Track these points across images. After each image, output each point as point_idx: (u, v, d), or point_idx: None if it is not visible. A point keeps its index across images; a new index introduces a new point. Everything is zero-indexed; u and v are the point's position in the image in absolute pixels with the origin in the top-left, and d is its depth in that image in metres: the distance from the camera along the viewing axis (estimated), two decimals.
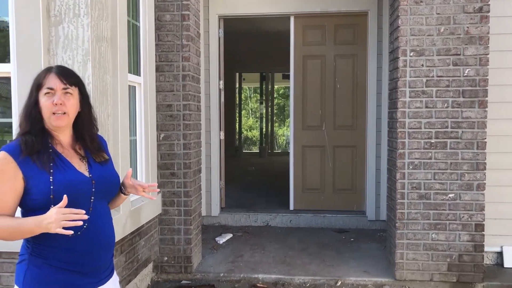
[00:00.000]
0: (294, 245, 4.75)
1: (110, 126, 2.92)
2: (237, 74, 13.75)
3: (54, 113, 1.62)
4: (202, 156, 5.05)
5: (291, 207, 5.65)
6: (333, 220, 5.45)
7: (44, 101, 1.63)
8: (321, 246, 4.72)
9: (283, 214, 5.53)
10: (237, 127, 13.99)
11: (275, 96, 20.07)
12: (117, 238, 2.82)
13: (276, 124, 20.35)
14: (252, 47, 11.67)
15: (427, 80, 3.67)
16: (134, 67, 3.48)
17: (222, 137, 5.63)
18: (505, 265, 4.08)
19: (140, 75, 3.51)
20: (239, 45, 11.64)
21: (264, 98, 14.49)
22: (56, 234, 1.48)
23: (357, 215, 5.49)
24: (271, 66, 12.97)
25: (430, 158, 3.70)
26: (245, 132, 20.24)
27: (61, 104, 1.62)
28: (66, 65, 2.66)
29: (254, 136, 20.77)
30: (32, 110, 1.64)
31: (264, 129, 14.36)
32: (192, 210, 3.94)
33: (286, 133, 20.42)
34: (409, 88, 3.70)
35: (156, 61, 3.80)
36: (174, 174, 3.90)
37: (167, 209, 3.91)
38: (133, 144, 3.48)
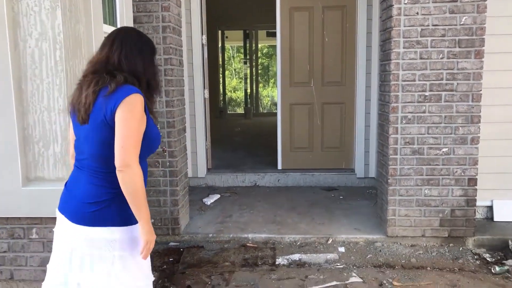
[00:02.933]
0: (283, 204, 4.67)
1: None
2: (220, 32, 13.32)
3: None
4: (186, 115, 4.86)
5: (279, 167, 5.55)
6: (322, 178, 5.38)
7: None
8: (310, 205, 4.65)
9: (271, 174, 5.43)
10: (221, 88, 13.69)
11: (259, 55, 19.69)
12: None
13: (261, 85, 20.01)
14: (235, 1, 11.27)
15: (422, 30, 3.50)
16: (110, 18, 3.23)
17: (207, 95, 5.42)
18: (495, 219, 4.07)
19: (116, 26, 3.26)
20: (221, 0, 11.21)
21: (248, 57, 14.13)
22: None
23: (346, 172, 5.42)
24: (255, 22, 12.54)
25: (424, 112, 3.58)
26: (229, 93, 19.92)
27: None
28: (32, 12, 2.42)
29: (238, 97, 20.47)
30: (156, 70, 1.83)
31: (248, 90, 14.09)
32: (178, 170, 3.79)
33: (271, 93, 20.18)
34: (403, 38, 3.52)
35: (134, 12, 3.53)
36: None
37: (151, 170, 3.75)
38: None
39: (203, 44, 5.36)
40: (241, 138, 8.73)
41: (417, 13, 3.48)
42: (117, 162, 1.60)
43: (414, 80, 3.55)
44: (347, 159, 5.48)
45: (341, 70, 5.35)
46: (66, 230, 1.75)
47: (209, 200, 4.75)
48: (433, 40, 3.49)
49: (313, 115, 5.45)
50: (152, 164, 3.75)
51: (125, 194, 1.63)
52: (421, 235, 3.70)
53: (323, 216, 4.29)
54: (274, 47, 18.82)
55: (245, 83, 14.32)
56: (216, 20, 12.02)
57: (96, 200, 1.68)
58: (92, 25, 2.73)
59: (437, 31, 3.48)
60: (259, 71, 19.63)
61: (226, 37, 14.14)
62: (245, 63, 15.08)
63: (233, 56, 22.96)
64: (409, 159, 3.63)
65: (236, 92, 21.21)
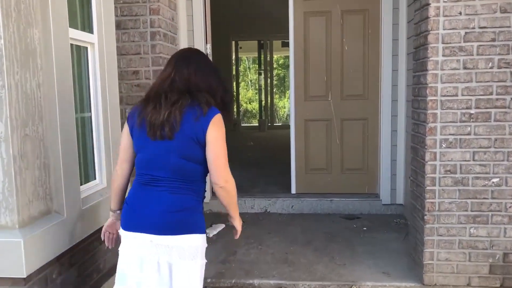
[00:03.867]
0: (297, 237, 4.01)
1: (43, 99, 2.12)
2: (233, 42, 12.80)
3: None
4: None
5: (293, 191, 4.89)
6: (342, 204, 4.70)
7: None
8: (329, 238, 3.98)
9: (284, 199, 4.78)
10: (235, 100, 13.13)
11: (274, 66, 19.13)
12: (63, 248, 2.11)
13: (277, 96, 19.45)
14: (248, 11, 10.76)
15: (466, 33, 2.83)
16: (84, 22, 2.65)
17: None
18: None
19: (93, 33, 2.68)
20: (234, 9, 10.72)
21: (262, 68, 13.57)
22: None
23: (369, 198, 4.73)
24: (269, 32, 12.03)
25: (469, 134, 2.89)
26: (244, 105, 19.37)
27: None
28: None
29: (254, 109, 19.88)
30: None
31: (263, 101, 13.50)
32: None
33: (286, 105, 19.55)
34: (442, 44, 2.86)
35: (117, 15, 2.96)
36: None
37: None
38: (87, 123, 2.68)
39: (207, 53, 4.78)
40: (253, 153, 8.11)
41: (460, 13, 2.81)
42: (217, 179, 1.75)
43: (457, 95, 2.88)
44: (370, 183, 4.80)
45: (363, 82, 4.69)
46: (141, 247, 1.77)
47: (212, 232, 4.07)
48: (480, 45, 2.82)
49: (332, 132, 4.79)
50: None
51: (224, 203, 1.86)
52: (466, 284, 2.99)
53: (344, 254, 3.61)
54: (289, 51, 18.20)
55: (260, 94, 13.72)
56: (230, 31, 11.54)
57: (181, 207, 1.76)
58: (52, 30, 2.15)
59: (485, 35, 2.81)
60: (275, 82, 19.09)
61: (240, 47, 13.61)
62: (259, 74, 14.50)
63: (249, 67, 22.45)
64: (451, 191, 2.94)
65: (251, 103, 20.64)
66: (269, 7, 9.99)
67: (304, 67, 4.74)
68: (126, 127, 1.86)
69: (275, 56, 18.09)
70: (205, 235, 1.86)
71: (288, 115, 18.17)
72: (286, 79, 20.63)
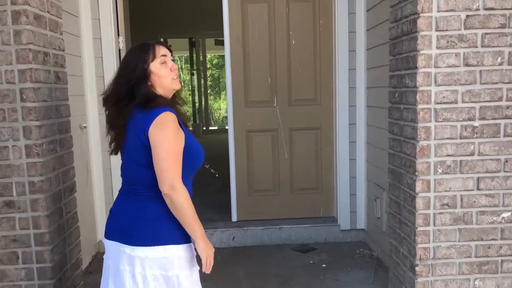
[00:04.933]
0: (241, 285, 3.09)
1: None
2: (162, 39, 11.63)
3: (173, 78, 1.69)
4: (95, 152, 3.49)
5: (234, 218, 3.95)
6: (293, 233, 3.83)
7: (163, 68, 1.65)
8: (281, 283, 3.09)
9: (223, 229, 3.83)
10: None
11: (208, 66, 18.10)
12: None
13: (211, 97, 18.46)
14: (177, 4, 9.75)
15: (467, 17, 2.05)
16: None
17: None
18: None
19: None
20: (161, 2, 9.65)
21: (195, 68, 12.52)
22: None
23: (326, 223, 3.90)
24: (202, 29, 11.04)
25: (472, 154, 2.12)
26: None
27: (175, 69, 1.69)
28: None
29: (188, 111, 18.70)
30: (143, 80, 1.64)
31: (197, 104, 12.43)
32: (53, 268, 2.11)
33: (222, 106, 18.60)
34: (436, 32, 2.06)
35: None
36: (11, 205, 2.03)
37: (3, 269, 2.06)
38: None
39: (119, 49, 3.71)
40: None
41: None
42: (161, 186, 1.56)
43: (456, 102, 2.09)
44: (326, 205, 3.97)
45: (314, 84, 3.85)
46: (113, 258, 1.68)
47: None
48: (487, 34, 2.05)
49: (279, 145, 3.91)
50: (5, 259, 2.05)
51: (176, 215, 1.60)
52: None
53: None
54: (224, 57, 17.37)
55: (193, 96, 12.63)
56: (157, 27, 10.42)
57: (160, 217, 1.63)
58: None
59: (493, 19, 2.05)
60: (209, 83, 18.08)
61: (170, 45, 12.41)
62: (192, 74, 13.45)
63: (181, 67, 21.23)
64: (449, 231, 2.15)
65: (186, 105, 19.40)
66: (200, 1, 9.03)
67: (244, 66, 3.82)
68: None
69: (208, 56, 17.12)
70: (178, 246, 1.64)
71: (225, 118, 17.29)
72: (221, 80, 19.66)
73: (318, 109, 3.87)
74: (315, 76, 3.84)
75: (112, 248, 1.68)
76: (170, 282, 1.61)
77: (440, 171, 2.12)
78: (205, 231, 3.60)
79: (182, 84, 22.38)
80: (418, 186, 2.13)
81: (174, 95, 1.73)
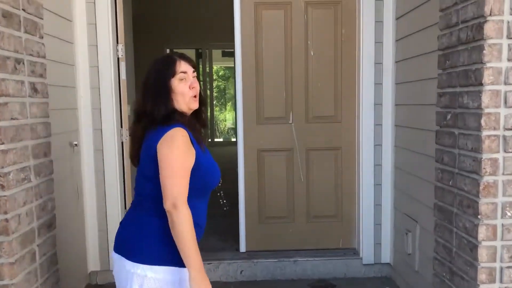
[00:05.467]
0: None
1: None
2: (168, 50, 11.28)
3: (192, 96, 1.61)
4: (88, 173, 3.09)
5: (242, 248, 3.49)
6: (309, 266, 3.37)
7: (181, 86, 1.59)
8: None
9: (230, 261, 3.37)
10: None
11: (214, 78, 17.76)
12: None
13: (217, 108, 18.09)
14: (184, 15, 9.41)
15: None
16: None
17: (125, 138, 3.33)
18: None
19: None
20: (168, 13, 9.33)
21: (201, 79, 12.14)
22: None
23: (346, 256, 3.43)
24: (208, 40, 10.68)
25: None
26: None
27: (194, 87, 1.61)
28: None
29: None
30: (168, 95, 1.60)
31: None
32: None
33: (228, 117, 18.19)
34: (508, 40, 1.62)
35: None
36: None
37: None
38: None
39: (118, 58, 3.30)
40: None
41: None
42: (165, 203, 1.49)
43: None
44: (346, 235, 3.51)
45: (334, 99, 3.42)
46: (117, 272, 1.62)
47: None
48: None
49: (294, 167, 3.46)
50: None
51: (173, 236, 1.48)
52: None
53: None
54: (230, 69, 16.99)
55: None
56: (163, 38, 10.08)
57: (158, 235, 1.55)
58: None
59: None
60: (215, 94, 17.72)
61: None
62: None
63: None
64: None
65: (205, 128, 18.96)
66: (208, 11, 8.69)
67: (257, 79, 3.39)
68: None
69: (214, 67, 16.80)
70: (171, 268, 1.51)
71: (231, 130, 16.89)
72: (227, 91, 19.31)
73: (338, 127, 3.43)
74: (336, 91, 3.40)
75: (116, 262, 1.62)
76: None
77: (509, 214, 1.67)
78: (209, 263, 3.17)
79: None
80: (482, 232, 1.68)
81: (196, 113, 1.66)
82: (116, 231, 1.67)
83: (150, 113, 1.56)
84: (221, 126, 18.55)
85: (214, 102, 17.60)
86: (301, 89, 3.40)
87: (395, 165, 3.24)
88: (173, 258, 1.51)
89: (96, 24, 3.16)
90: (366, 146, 3.32)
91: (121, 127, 3.34)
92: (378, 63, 3.26)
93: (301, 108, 3.41)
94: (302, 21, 3.36)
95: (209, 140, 11.92)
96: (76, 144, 3.01)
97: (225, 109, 19.55)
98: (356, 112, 3.39)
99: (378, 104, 3.29)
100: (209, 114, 12.24)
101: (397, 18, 3.14)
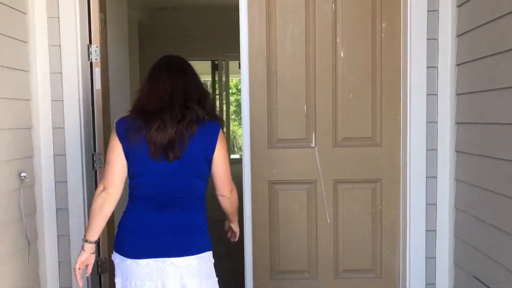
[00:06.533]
0: None
1: None
2: None
3: None
4: (48, 213, 2.39)
5: None
6: None
7: None
8: None
9: None
10: None
11: (233, 91, 17.07)
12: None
13: (236, 123, 17.39)
14: (199, 24, 8.76)
15: None
16: None
17: (100, 166, 2.54)
18: None
19: None
20: (181, 21, 8.72)
21: (217, 93, 11.43)
22: None
23: None
24: (225, 51, 10.01)
25: None
26: None
27: None
28: None
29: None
30: None
31: None
32: None
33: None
34: None
35: None
36: None
37: None
38: None
39: (91, 62, 2.53)
40: None
41: None
42: (226, 192, 1.72)
43: None
44: None
45: (372, 116, 2.55)
46: (152, 277, 1.62)
47: None
48: None
49: (317, 204, 2.60)
50: None
51: (230, 211, 1.83)
52: None
53: None
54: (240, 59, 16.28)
55: None
56: (176, 48, 9.44)
57: (204, 226, 1.68)
58: None
59: None
60: (233, 108, 17.00)
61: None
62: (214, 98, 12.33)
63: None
64: None
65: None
66: (224, 20, 8.01)
67: (269, 89, 2.56)
68: (119, 146, 1.62)
69: (233, 80, 16.11)
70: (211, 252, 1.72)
71: None
72: None
73: (377, 152, 2.56)
74: (374, 104, 2.54)
75: (150, 267, 1.61)
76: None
77: None
78: None
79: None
80: None
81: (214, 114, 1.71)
82: (143, 238, 1.62)
83: (204, 104, 1.66)
84: (239, 141, 17.83)
85: (233, 117, 16.87)
86: (327, 102, 2.55)
87: (456, 205, 2.35)
88: (209, 245, 1.70)
89: (59, 17, 2.40)
90: (415, 178, 2.44)
91: (94, 151, 2.56)
92: (431, 67, 2.40)
93: (327, 127, 2.56)
94: (329, 11, 2.52)
95: None
96: (24, 176, 2.22)
97: None
98: (402, 133, 2.52)
99: (431, 122, 2.42)
100: (225, 129, 11.51)
101: (459, 6, 2.28)
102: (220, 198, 1.73)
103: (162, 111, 1.58)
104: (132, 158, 1.61)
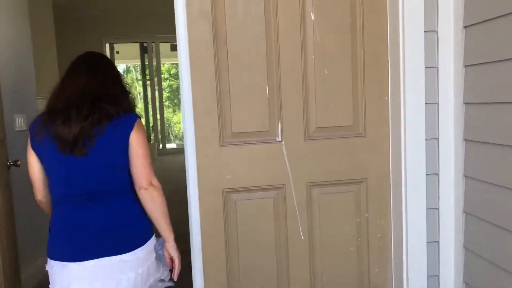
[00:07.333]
0: None
1: None
2: (108, 46, 9.50)
3: None
4: None
5: None
6: None
7: None
8: None
9: None
10: None
11: (165, 76, 16.01)
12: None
13: (170, 110, 16.36)
14: (126, 3, 7.82)
15: None
16: None
17: None
18: None
19: None
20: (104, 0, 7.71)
21: (148, 78, 10.44)
22: None
23: None
24: (155, 32, 9.11)
25: None
26: None
27: None
28: None
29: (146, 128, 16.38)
30: None
31: (151, 120, 10.30)
32: None
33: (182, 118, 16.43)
34: None
35: None
36: None
37: None
38: None
39: None
40: None
41: None
42: (142, 182, 1.57)
43: None
44: None
45: (353, 98, 1.94)
46: (97, 278, 1.51)
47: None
48: None
49: (288, 215, 1.96)
50: None
51: (153, 212, 1.59)
52: None
53: None
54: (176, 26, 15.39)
55: (146, 111, 10.47)
56: (101, 30, 8.37)
57: (140, 215, 1.60)
58: None
59: None
60: (167, 94, 15.98)
61: (117, 52, 10.32)
62: (144, 84, 11.36)
63: (137, 78, 18.93)
64: None
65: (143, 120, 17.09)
66: None
67: (217, 64, 1.85)
68: (32, 153, 1.58)
69: (165, 65, 15.07)
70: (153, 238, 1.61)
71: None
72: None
73: (360, 145, 1.96)
74: (355, 83, 1.93)
75: (92, 269, 1.50)
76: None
77: None
78: None
79: (138, 96, 20.22)
80: None
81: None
82: (77, 239, 1.51)
83: (121, 101, 1.59)
84: (175, 129, 16.83)
85: (166, 103, 15.81)
86: (295, 80, 1.90)
87: (465, 209, 1.82)
88: (151, 230, 1.61)
89: None
90: (411, 176, 1.88)
91: None
92: (430, 31, 1.82)
93: (296, 115, 1.91)
94: None
95: (160, 147, 10.25)
96: None
97: (179, 109, 17.78)
98: (391, 119, 1.94)
99: (430, 103, 1.85)
100: (158, 117, 10.55)
101: None
102: (141, 194, 1.57)
103: (69, 108, 1.52)
104: (43, 157, 1.57)
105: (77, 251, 1.50)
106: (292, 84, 1.89)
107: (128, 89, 1.66)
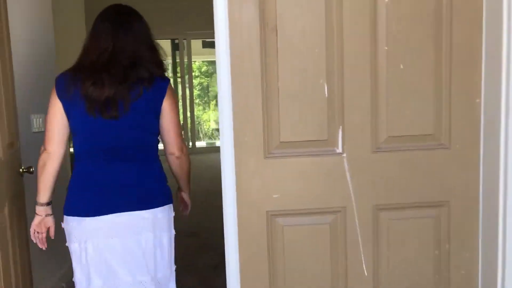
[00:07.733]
0: None
1: None
2: None
3: None
4: None
5: None
6: None
7: None
8: None
9: None
10: None
11: (196, 74, 15.79)
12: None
13: (200, 107, 16.17)
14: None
15: None
16: None
17: None
18: None
19: None
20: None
21: (179, 75, 10.24)
22: None
23: None
24: (186, 29, 8.94)
25: None
26: None
27: None
28: None
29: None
30: None
31: (181, 118, 10.06)
32: None
33: (212, 117, 16.22)
34: None
35: None
36: None
37: None
38: None
39: None
40: None
41: None
42: (174, 149, 1.62)
43: None
44: None
45: (434, 101, 1.53)
46: (119, 227, 1.54)
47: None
48: None
49: (348, 246, 1.57)
50: None
51: (181, 174, 1.71)
52: None
53: None
54: (214, 64, 15.21)
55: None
56: None
57: (162, 178, 1.64)
58: None
59: None
60: (197, 92, 15.78)
61: None
62: (174, 82, 11.15)
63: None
64: None
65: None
66: None
67: (263, 56, 1.48)
68: (58, 102, 1.55)
69: (196, 62, 14.86)
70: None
71: (217, 132, 14.95)
72: (211, 88, 17.33)
73: (442, 158, 1.54)
74: (438, 82, 1.52)
75: (109, 223, 1.52)
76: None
77: None
78: None
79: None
80: None
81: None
82: (103, 191, 1.53)
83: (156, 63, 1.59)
84: (204, 127, 16.62)
85: (197, 101, 15.60)
86: (362, 78, 1.50)
87: None
88: (171, 197, 1.66)
89: None
90: (511, 199, 1.45)
91: None
92: None
93: (362, 121, 1.51)
94: None
95: (190, 145, 10.01)
96: None
97: (209, 107, 17.57)
98: (484, 127, 1.51)
99: None
100: (188, 115, 10.30)
101: None
102: (169, 158, 1.64)
103: (99, 70, 1.50)
104: (71, 114, 1.54)
105: (94, 206, 1.51)
106: (357, 81, 1.49)
107: (156, 46, 1.61)
